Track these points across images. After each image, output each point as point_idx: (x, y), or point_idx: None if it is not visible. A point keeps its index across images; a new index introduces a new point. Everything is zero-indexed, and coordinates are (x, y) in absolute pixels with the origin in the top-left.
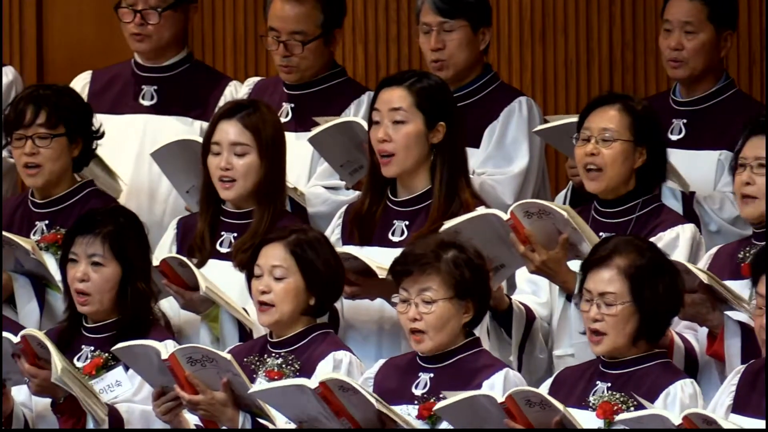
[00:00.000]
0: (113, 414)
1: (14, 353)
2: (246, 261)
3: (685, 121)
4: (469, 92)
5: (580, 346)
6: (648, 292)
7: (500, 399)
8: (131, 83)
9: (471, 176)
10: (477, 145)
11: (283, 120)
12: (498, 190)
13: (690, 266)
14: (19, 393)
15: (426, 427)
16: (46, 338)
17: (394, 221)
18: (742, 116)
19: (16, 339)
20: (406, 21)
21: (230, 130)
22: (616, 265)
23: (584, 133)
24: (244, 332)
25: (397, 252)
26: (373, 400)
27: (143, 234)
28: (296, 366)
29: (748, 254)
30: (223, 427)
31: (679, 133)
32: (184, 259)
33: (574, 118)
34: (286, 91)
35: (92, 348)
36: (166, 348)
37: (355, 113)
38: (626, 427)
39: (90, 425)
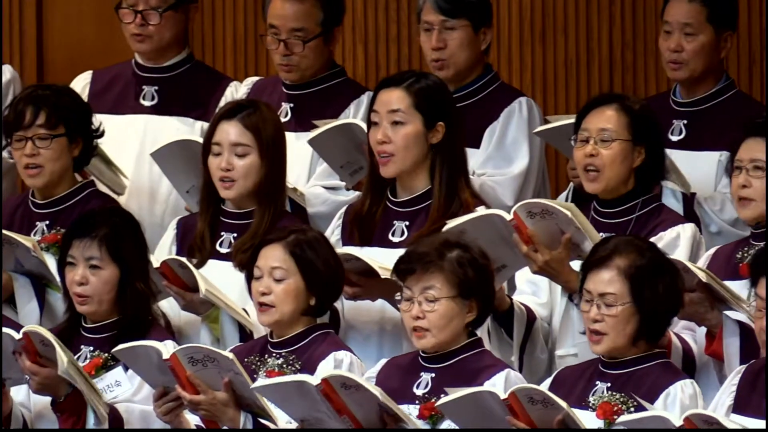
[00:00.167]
0: (113, 414)
1: (15, 350)
2: (246, 261)
3: (685, 121)
4: (470, 92)
5: (582, 345)
6: (648, 292)
7: (502, 398)
8: (132, 83)
9: (471, 177)
10: (477, 146)
11: (282, 120)
12: (498, 191)
13: (689, 264)
14: (18, 393)
15: (427, 426)
16: (49, 334)
17: (394, 222)
18: (742, 117)
19: (17, 336)
20: (406, 21)
21: (231, 131)
22: (616, 266)
23: (582, 135)
24: (244, 333)
25: (397, 252)
26: (377, 394)
27: (140, 234)
28: (297, 366)
29: (746, 255)
30: (225, 427)
31: (680, 133)
32: (184, 260)
33: (574, 119)
34: (285, 91)
35: (91, 348)
36: (166, 348)
37: (355, 113)
38: (627, 428)
39: (90, 423)
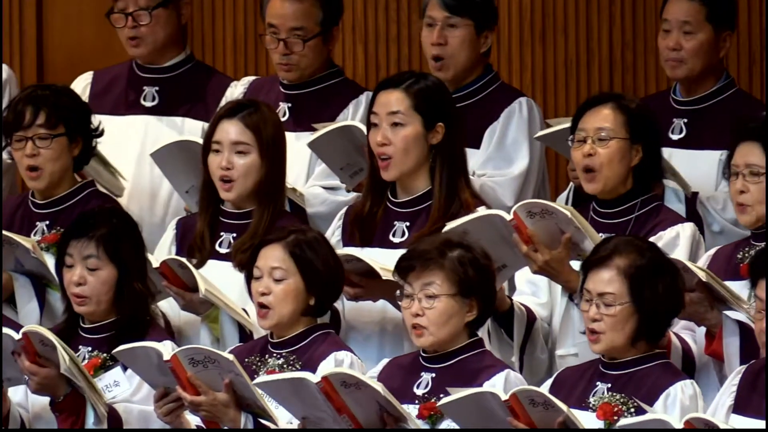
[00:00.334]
0: (112, 414)
1: (14, 351)
2: (245, 261)
3: (685, 120)
4: (470, 92)
5: (583, 345)
6: (648, 292)
7: (503, 399)
8: (132, 84)
9: (471, 177)
10: (477, 146)
11: None
12: (498, 192)
13: (689, 264)
14: (16, 393)
15: (426, 426)
16: (49, 334)
17: (395, 222)
18: (743, 115)
19: (17, 336)
20: (406, 21)
21: (231, 130)
22: (616, 266)
23: (579, 135)
24: (244, 333)
25: (398, 253)
26: (379, 389)
27: (138, 234)
28: (297, 366)
29: (746, 255)
30: (225, 428)
31: (680, 132)
32: (184, 260)
33: None
34: (282, 90)
35: (90, 348)
36: (165, 349)
37: (354, 113)
38: (627, 426)
39: (89, 423)
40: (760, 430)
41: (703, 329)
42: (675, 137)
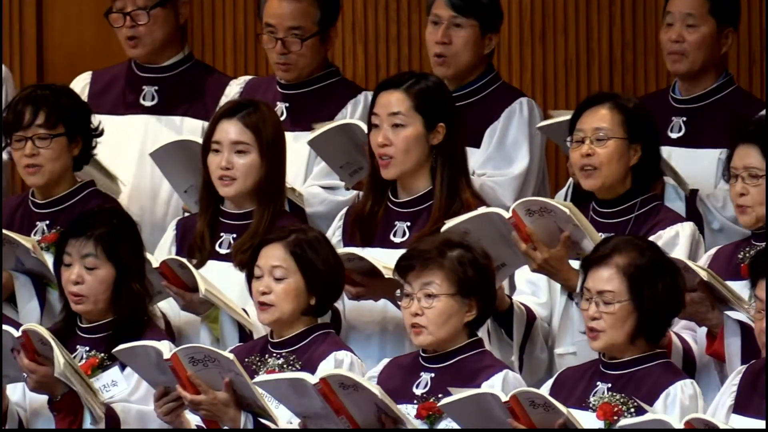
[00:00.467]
0: (109, 414)
1: (13, 348)
2: (246, 261)
3: (684, 119)
4: (470, 92)
5: (582, 344)
6: (647, 291)
7: (504, 400)
8: (132, 84)
9: (471, 177)
10: (477, 145)
11: None
12: (498, 192)
13: (690, 263)
14: (14, 392)
15: (424, 426)
16: (48, 333)
17: (396, 222)
18: (742, 113)
19: (17, 333)
20: (406, 21)
21: (231, 129)
22: (615, 264)
23: (578, 135)
24: (244, 333)
25: (398, 253)
26: (376, 392)
27: (137, 234)
28: (297, 366)
29: (747, 255)
30: (225, 428)
31: (679, 131)
32: (184, 260)
33: None
34: (280, 90)
35: (87, 348)
36: (164, 348)
37: (352, 113)
38: (627, 426)
39: (87, 423)
40: (760, 430)
41: (704, 329)
42: (674, 136)
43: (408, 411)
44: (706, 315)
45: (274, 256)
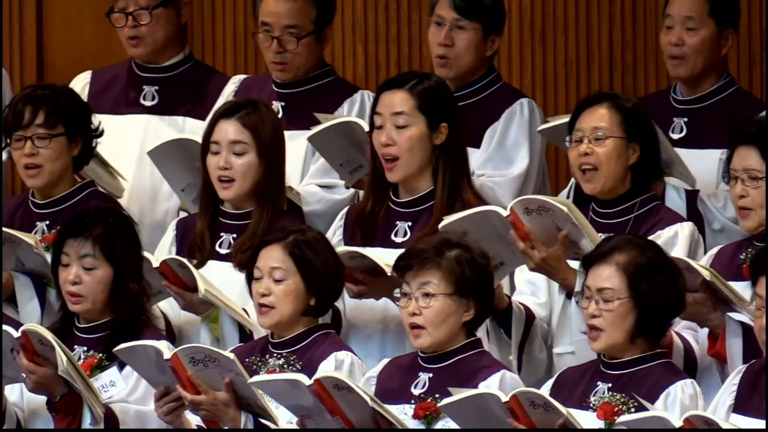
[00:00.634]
0: (108, 414)
1: (13, 348)
2: (245, 262)
3: (686, 119)
4: (471, 92)
5: (580, 343)
6: (647, 289)
7: (504, 400)
8: (132, 83)
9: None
10: (477, 146)
11: None
12: (498, 192)
13: (692, 263)
14: (12, 392)
15: (422, 426)
16: (48, 333)
17: (397, 222)
18: (743, 114)
19: (16, 334)
20: (406, 21)
21: (229, 129)
22: (616, 262)
23: (576, 135)
24: (244, 333)
25: (400, 253)
26: (367, 398)
27: (134, 234)
28: (297, 366)
29: (749, 255)
30: (226, 428)
31: (680, 131)
32: (184, 260)
33: None
34: (275, 89)
35: (85, 348)
36: (164, 347)
37: (349, 111)
38: (627, 428)
39: (86, 423)
40: (760, 430)
41: (705, 329)
42: (675, 136)
43: (406, 411)
44: (707, 316)
45: (273, 257)
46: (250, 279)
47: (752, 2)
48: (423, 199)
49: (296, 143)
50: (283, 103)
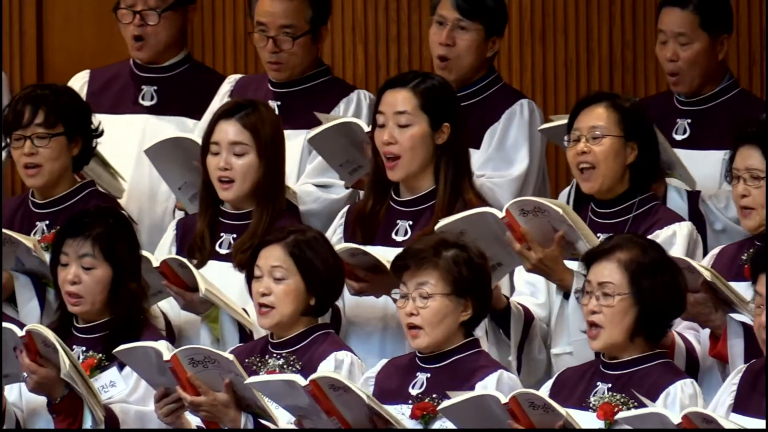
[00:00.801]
0: (108, 414)
1: (16, 347)
2: (245, 262)
3: (689, 120)
4: (472, 93)
5: (578, 344)
6: (648, 286)
7: (503, 402)
8: (131, 83)
9: None
10: (477, 146)
11: None
12: (497, 193)
13: (694, 263)
14: (11, 392)
15: (419, 426)
16: (52, 335)
17: (398, 221)
18: (746, 115)
19: (20, 332)
20: (406, 21)
21: (229, 130)
22: (618, 259)
23: (574, 134)
24: (244, 333)
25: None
26: (364, 397)
27: (133, 234)
28: (297, 366)
29: (750, 255)
30: (225, 428)
31: (684, 132)
32: (184, 260)
33: None
34: (271, 89)
35: (84, 348)
36: (163, 348)
37: (345, 111)
38: (627, 427)
39: (87, 425)
40: (759, 430)
41: (707, 330)
42: (679, 137)
43: (404, 411)
44: (709, 316)
45: (273, 256)
46: (250, 279)
47: (752, 2)
48: (424, 198)
49: (292, 143)
50: (279, 103)
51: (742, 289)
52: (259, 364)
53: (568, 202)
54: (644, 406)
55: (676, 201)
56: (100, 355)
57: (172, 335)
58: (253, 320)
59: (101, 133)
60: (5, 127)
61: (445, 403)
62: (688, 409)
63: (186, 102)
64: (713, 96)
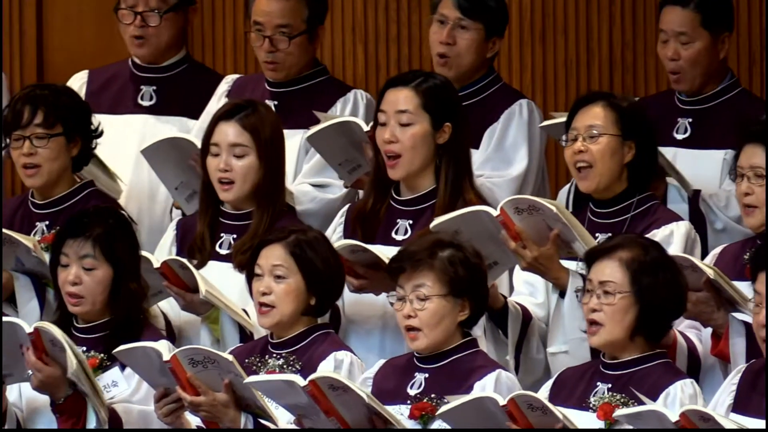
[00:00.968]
0: (111, 414)
1: (22, 344)
2: (245, 262)
3: (690, 120)
4: (471, 92)
5: (574, 343)
6: (648, 285)
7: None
8: (130, 83)
9: None
10: (476, 146)
11: None
12: (496, 193)
13: (697, 262)
14: (11, 392)
15: (418, 427)
16: (60, 334)
17: (398, 220)
18: (747, 115)
19: (29, 329)
20: (406, 21)
21: (229, 131)
22: (619, 257)
23: (571, 134)
24: (244, 334)
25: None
26: (364, 396)
27: (133, 234)
28: (297, 366)
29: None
30: (225, 428)
31: (685, 132)
32: (185, 261)
33: None
34: (268, 88)
35: (84, 348)
36: (163, 348)
37: (342, 111)
38: (627, 427)
39: (91, 424)
40: (759, 429)
41: (709, 329)
42: (680, 137)
43: (402, 411)
44: (711, 315)
45: (274, 256)
46: (250, 279)
47: (752, 2)
48: (424, 197)
49: (289, 143)
50: (276, 103)
51: (745, 288)
52: (259, 364)
53: (567, 201)
54: (643, 403)
55: (677, 200)
56: (102, 355)
57: (172, 335)
58: (253, 321)
59: (101, 134)
60: (5, 127)
61: (445, 407)
62: (685, 407)
63: (185, 102)
64: (714, 95)
